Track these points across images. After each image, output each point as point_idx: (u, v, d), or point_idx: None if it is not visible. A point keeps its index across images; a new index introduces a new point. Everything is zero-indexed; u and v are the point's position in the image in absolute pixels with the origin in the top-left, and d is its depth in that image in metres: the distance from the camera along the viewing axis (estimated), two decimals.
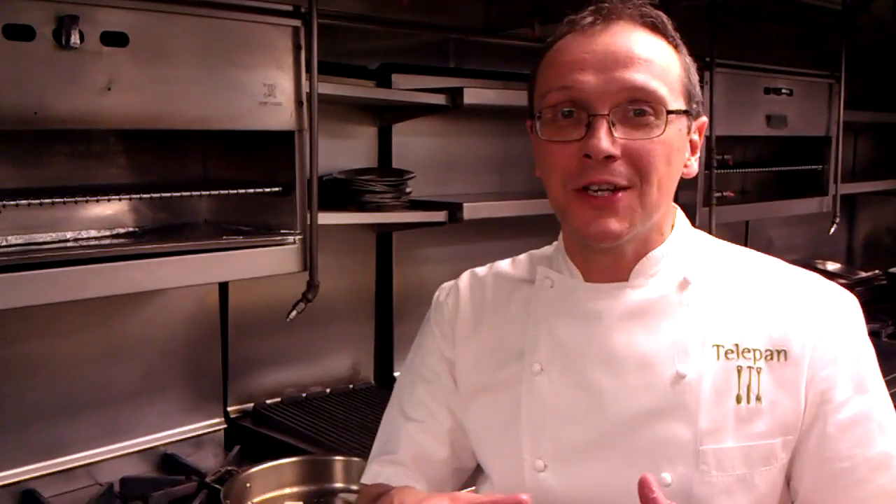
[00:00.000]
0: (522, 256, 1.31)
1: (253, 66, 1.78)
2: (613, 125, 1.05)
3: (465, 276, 1.33)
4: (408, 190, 2.37)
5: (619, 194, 1.06)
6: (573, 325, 1.15)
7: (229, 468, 1.95)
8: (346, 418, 2.31)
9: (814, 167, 3.44)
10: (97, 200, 1.83)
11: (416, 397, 1.28)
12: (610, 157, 1.05)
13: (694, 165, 1.16)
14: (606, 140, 1.04)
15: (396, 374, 2.66)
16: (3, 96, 1.48)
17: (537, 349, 1.17)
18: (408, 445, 1.25)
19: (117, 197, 1.83)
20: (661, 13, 1.12)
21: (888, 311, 3.57)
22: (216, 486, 1.83)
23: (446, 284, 1.36)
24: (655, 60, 1.08)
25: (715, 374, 1.08)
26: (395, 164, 2.55)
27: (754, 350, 1.09)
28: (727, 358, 1.09)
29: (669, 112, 1.07)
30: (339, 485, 1.87)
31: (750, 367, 1.08)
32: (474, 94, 2.34)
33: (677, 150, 1.10)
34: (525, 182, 2.89)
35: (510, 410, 1.17)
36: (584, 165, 1.06)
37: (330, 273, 2.04)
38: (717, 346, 1.09)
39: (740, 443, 1.07)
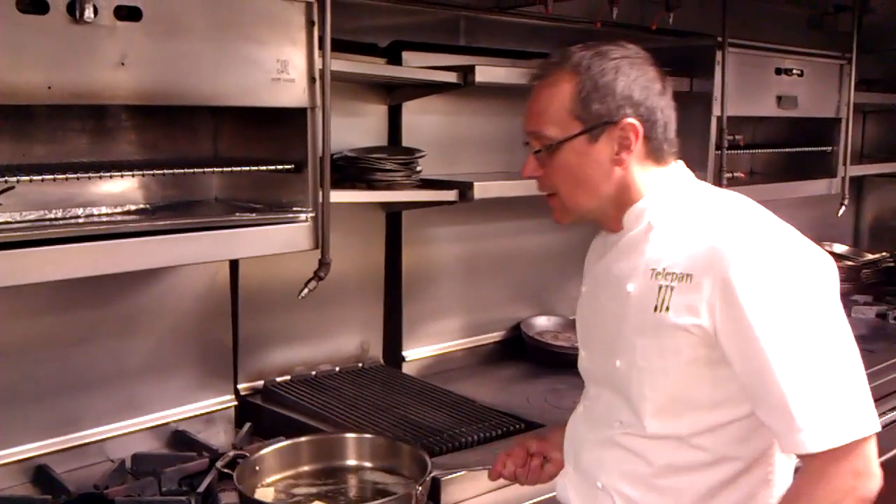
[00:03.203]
0: None
1: (266, 42, 1.77)
2: (539, 152, 1.50)
3: None
4: (418, 169, 2.36)
5: (550, 198, 1.53)
6: (594, 262, 1.61)
7: (238, 452, 1.91)
8: (356, 396, 2.31)
9: (823, 149, 3.43)
10: (110, 177, 1.82)
11: None
12: (532, 177, 1.54)
13: (626, 159, 1.46)
14: (529, 167, 1.52)
15: (405, 352, 2.67)
16: (17, 70, 1.47)
17: (585, 277, 1.65)
18: None
19: (130, 173, 1.82)
20: (562, 54, 1.48)
21: None
22: (226, 470, 1.81)
23: None
24: (542, 107, 1.48)
25: (646, 290, 1.43)
26: (404, 143, 2.54)
27: (672, 274, 1.40)
28: (655, 279, 1.42)
29: (548, 147, 1.47)
30: (351, 462, 1.87)
31: (667, 286, 1.40)
32: (486, 73, 2.33)
33: (578, 164, 1.46)
34: None
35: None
36: None
37: (339, 252, 2.04)
38: (653, 269, 1.43)
39: (655, 340, 1.41)
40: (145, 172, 1.83)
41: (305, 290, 2.00)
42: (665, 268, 1.41)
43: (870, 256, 3.93)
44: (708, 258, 1.36)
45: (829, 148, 3.43)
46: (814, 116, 3.32)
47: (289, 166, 1.89)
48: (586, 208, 1.51)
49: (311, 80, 1.85)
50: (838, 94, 3.36)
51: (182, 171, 1.83)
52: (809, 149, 3.41)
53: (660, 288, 1.40)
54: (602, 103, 1.43)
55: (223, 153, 2.09)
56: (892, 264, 3.73)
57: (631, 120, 1.44)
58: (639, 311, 1.43)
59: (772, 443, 1.42)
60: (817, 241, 4.36)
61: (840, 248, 4.02)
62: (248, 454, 1.80)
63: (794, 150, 3.42)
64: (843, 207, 3.48)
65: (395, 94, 2.52)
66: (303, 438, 1.90)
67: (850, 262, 3.78)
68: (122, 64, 1.57)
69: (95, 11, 1.52)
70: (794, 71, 3.12)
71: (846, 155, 3.43)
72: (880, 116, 4.20)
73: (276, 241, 1.89)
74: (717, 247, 1.35)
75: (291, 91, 1.83)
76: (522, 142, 1.54)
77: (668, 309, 1.39)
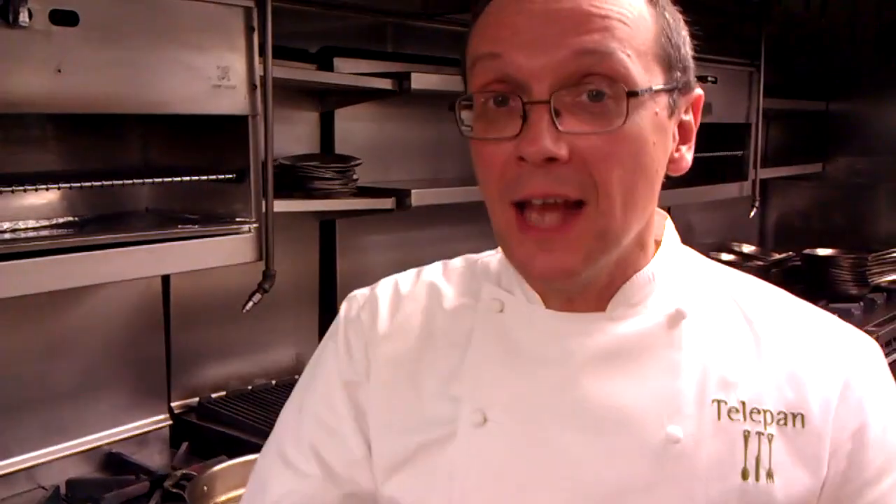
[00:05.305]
0: (458, 264, 1.02)
1: (206, 49, 1.71)
2: (558, 114, 0.77)
3: (387, 287, 1.00)
4: (354, 176, 2.33)
5: (570, 223, 0.79)
6: (531, 365, 0.87)
7: (185, 471, 1.86)
8: None
9: (735, 153, 3.55)
10: (36, 189, 1.72)
11: (306, 444, 0.95)
12: (552, 160, 0.77)
13: (686, 158, 0.89)
14: (546, 136, 0.76)
15: None
16: None
17: (479, 393, 0.87)
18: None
19: (57, 186, 1.73)
20: None
21: (802, 291, 3.71)
22: (176, 490, 1.74)
23: (358, 294, 1.02)
24: (617, 18, 0.78)
25: (715, 439, 0.83)
26: (337, 150, 2.50)
27: (765, 411, 0.84)
28: (731, 419, 0.83)
29: (633, 94, 0.78)
30: None
31: (759, 434, 0.83)
32: (421, 80, 2.31)
33: (653, 142, 0.81)
34: (458, 169, 2.88)
35: (442, 471, 0.87)
36: (520, 171, 0.79)
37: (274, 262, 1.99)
38: (719, 401, 0.84)
39: None
40: (73, 185, 1.75)
41: (250, 304, 1.94)
42: (748, 400, 0.84)
43: (777, 256, 4.08)
44: (831, 387, 0.85)
45: (741, 152, 3.56)
46: (727, 122, 3.43)
47: (230, 176, 1.83)
48: (624, 239, 0.82)
49: (252, 86, 1.80)
50: (748, 100, 3.49)
51: (120, 182, 1.75)
52: (722, 153, 3.52)
53: (745, 436, 0.83)
54: (685, 53, 0.86)
55: (154, 162, 2.01)
56: (798, 263, 3.88)
57: (701, 92, 0.89)
58: (707, 477, 0.82)
59: None
60: (727, 241, 4.51)
61: (748, 249, 4.16)
62: (195, 473, 1.74)
63: (708, 154, 3.52)
64: (755, 209, 3.61)
65: (326, 100, 2.48)
66: (252, 456, 1.83)
67: (759, 262, 3.92)
68: (59, 71, 1.49)
69: (30, 15, 1.44)
70: (710, 78, 3.21)
71: (756, 159, 3.56)
72: (779, 121, 4.38)
73: (218, 254, 1.82)
74: (845, 369, 0.86)
75: (233, 98, 1.77)
76: (493, 98, 0.81)
77: (770, 475, 0.82)
